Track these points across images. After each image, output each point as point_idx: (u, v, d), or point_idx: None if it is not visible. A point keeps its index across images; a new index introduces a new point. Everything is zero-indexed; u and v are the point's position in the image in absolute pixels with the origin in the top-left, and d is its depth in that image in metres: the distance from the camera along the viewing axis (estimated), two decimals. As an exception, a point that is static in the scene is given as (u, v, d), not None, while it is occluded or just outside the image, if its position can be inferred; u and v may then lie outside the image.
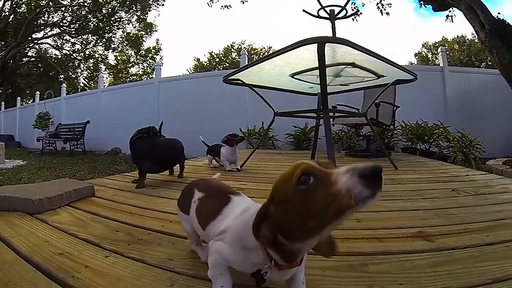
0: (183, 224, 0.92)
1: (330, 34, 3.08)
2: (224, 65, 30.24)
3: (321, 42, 1.99)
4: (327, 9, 2.81)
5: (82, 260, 0.92)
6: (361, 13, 8.86)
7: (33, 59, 21.13)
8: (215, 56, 31.46)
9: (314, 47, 2.02)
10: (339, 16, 2.80)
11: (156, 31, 21.61)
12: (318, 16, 2.86)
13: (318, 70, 2.22)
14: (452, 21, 7.99)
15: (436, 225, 1.26)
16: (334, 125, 4.89)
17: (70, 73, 22.32)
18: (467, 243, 1.05)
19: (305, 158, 0.79)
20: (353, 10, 8.36)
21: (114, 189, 2.02)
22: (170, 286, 0.78)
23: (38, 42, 19.27)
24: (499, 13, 5.92)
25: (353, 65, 2.44)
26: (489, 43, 4.99)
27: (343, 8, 2.83)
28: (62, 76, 21.13)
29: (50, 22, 18.42)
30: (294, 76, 2.84)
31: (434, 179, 2.42)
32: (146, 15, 19.97)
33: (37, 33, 18.67)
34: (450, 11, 7.78)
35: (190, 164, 3.38)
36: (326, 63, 2.13)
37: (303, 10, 2.96)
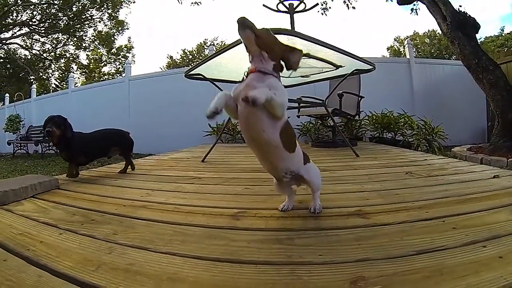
0: None
1: (299, 28, 3.16)
2: (197, 62, 29.38)
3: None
4: (286, 3, 2.89)
5: (38, 238, 1.02)
6: (330, 7, 9.00)
7: (1, 60, 20.28)
8: (188, 53, 30.87)
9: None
10: (298, 9, 2.88)
11: (128, 29, 21.04)
12: (278, 10, 2.94)
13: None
14: (417, 14, 8.21)
15: (377, 204, 1.28)
16: (300, 117, 5.01)
17: (41, 74, 21.55)
18: (402, 219, 1.06)
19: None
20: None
21: (78, 182, 2.07)
22: (109, 253, 0.88)
23: (6, 42, 18.47)
24: (460, 6, 6.19)
25: (308, 55, 2.48)
26: (451, 34, 5.08)
27: (301, 1, 2.90)
28: (33, 77, 20.40)
29: (19, 21, 17.69)
30: (254, 70, 2.82)
31: (391, 165, 2.44)
32: (117, 13, 19.36)
33: (5, 33, 17.88)
34: (414, 5, 8.01)
35: (173, 157, 3.56)
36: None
37: (263, 5, 3.04)
